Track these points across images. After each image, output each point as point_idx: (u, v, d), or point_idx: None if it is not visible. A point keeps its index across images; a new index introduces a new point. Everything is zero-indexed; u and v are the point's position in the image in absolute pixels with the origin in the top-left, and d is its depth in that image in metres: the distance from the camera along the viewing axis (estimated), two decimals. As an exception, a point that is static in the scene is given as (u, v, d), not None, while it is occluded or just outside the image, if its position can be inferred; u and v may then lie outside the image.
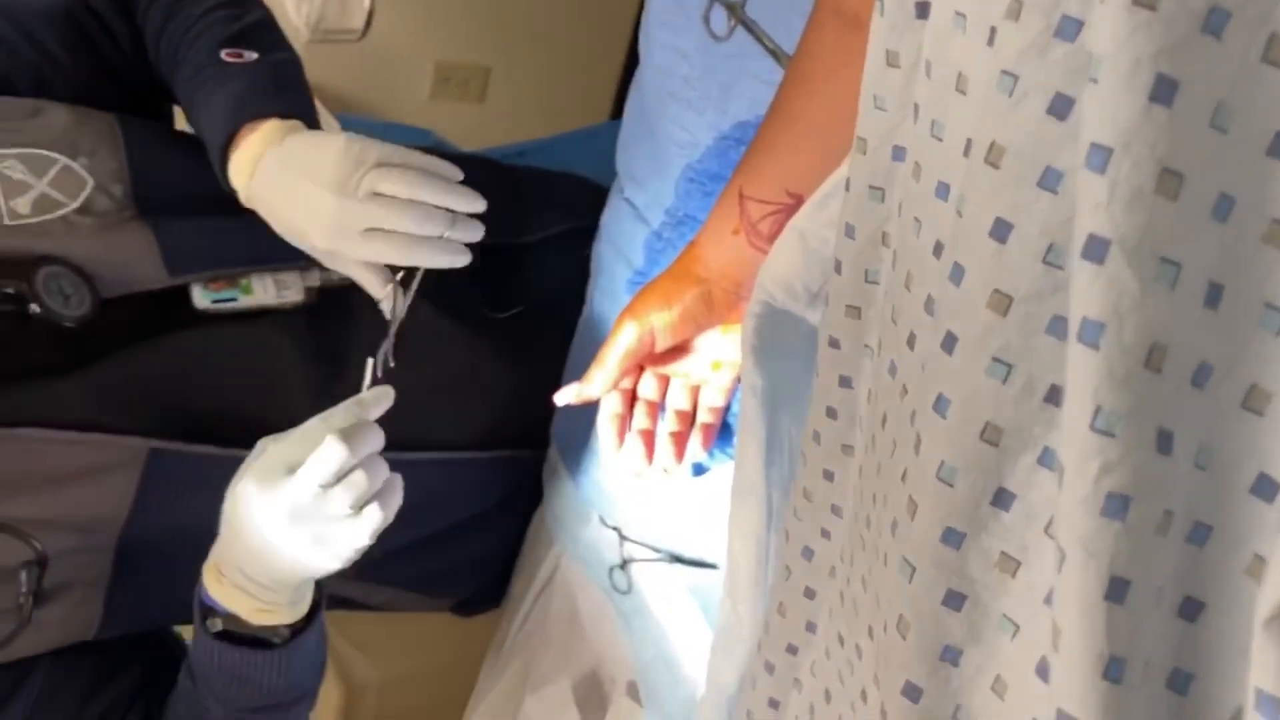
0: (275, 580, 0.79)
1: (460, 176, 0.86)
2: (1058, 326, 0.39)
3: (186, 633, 0.91)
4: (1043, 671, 0.42)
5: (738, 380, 0.84)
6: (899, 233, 0.51)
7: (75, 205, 0.83)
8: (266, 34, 0.95)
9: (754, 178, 0.76)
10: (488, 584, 1.19)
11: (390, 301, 0.86)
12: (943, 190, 0.46)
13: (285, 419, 0.80)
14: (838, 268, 0.57)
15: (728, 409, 0.89)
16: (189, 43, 0.91)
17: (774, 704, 0.71)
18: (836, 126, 0.63)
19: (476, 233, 0.85)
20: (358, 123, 1.28)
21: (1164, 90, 0.33)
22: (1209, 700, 0.39)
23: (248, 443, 0.79)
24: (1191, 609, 0.38)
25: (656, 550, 0.96)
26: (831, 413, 0.61)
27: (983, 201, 0.40)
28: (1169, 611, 0.38)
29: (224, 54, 0.89)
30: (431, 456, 0.98)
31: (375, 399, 0.80)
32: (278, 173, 0.84)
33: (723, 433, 0.90)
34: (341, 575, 0.81)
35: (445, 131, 1.52)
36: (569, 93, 1.87)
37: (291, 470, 0.75)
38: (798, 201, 0.73)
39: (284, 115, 0.86)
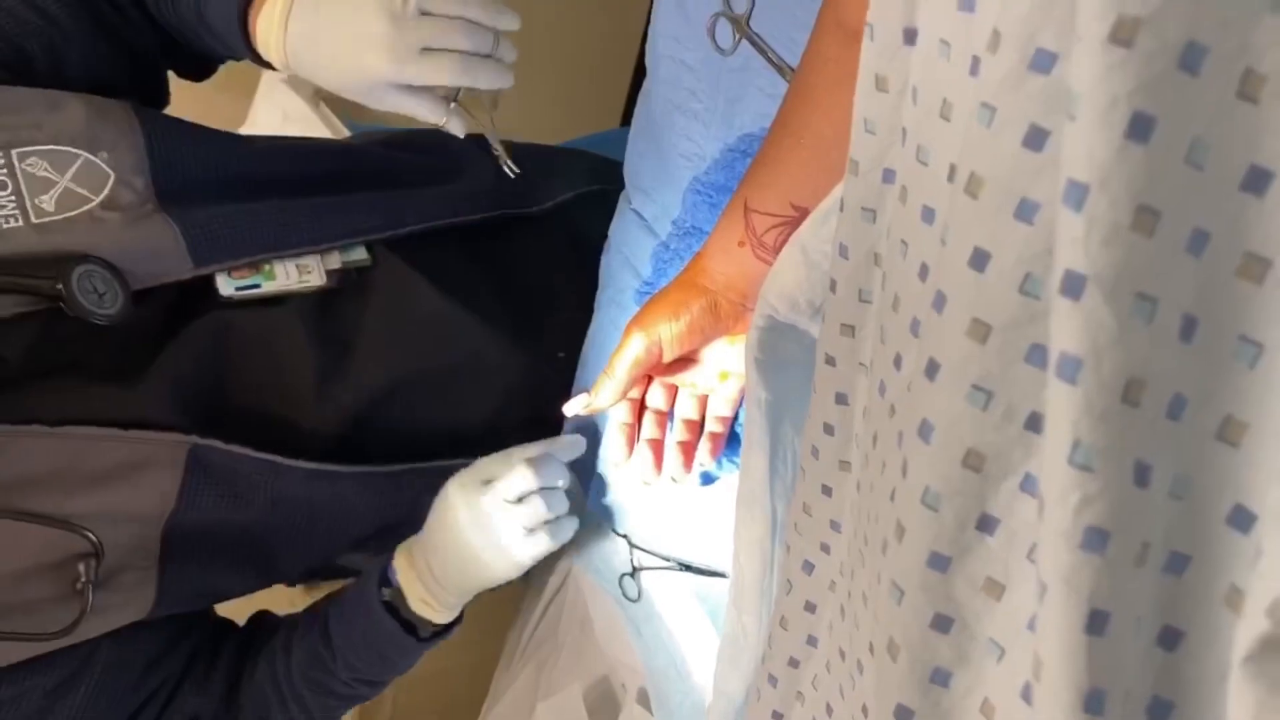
0: (448, 579, 0.92)
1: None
2: (1036, 355, 0.39)
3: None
4: (1027, 695, 0.42)
5: (744, 390, 0.84)
6: (888, 254, 0.51)
7: (99, 200, 0.83)
8: None
9: (759, 190, 0.76)
10: None
11: (458, 124, 0.88)
12: (928, 214, 0.46)
13: (295, 402, 0.91)
14: (832, 286, 0.57)
15: (735, 418, 0.89)
16: None
17: (778, 716, 0.72)
18: (839, 140, 0.63)
19: (513, 53, 0.87)
20: (370, 131, 1.28)
21: (1140, 127, 0.33)
22: (1189, 728, 0.39)
23: (275, 438, 0.89)
24: (1171, 638, 0.38)
25: (666, 558, 0.96)
26: (828, 429, 0.62)
27: (962, 231, 0.40)
28: (1148, 641, 0.38)
29: None
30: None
31: (567, 446, 0.94)
32: (315, 15, 0.83)
33: (731, 442, 0.90)
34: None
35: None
36: (577, 104, 1.87)
37: (487, 484, 0.89)
38: (802, 214, 0.73)
39: None
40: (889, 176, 0.51)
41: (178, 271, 0.87)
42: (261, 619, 1.06)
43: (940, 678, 0.47)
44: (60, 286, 0.79)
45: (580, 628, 1.06)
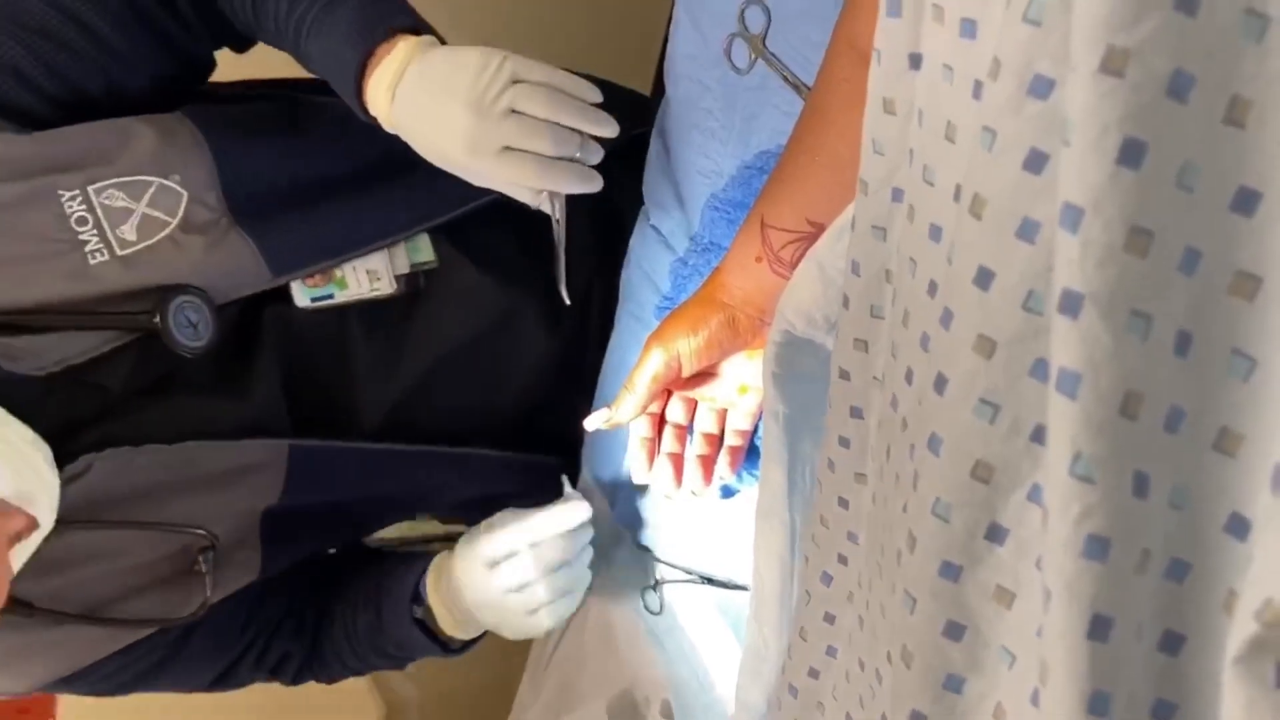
0: (469, 626, 1.03)
1: (599, 97, 0.87)
2: (1040, 369, 0.41)
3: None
4: (1036, 700, 0.43)
5: (763, 404, 0.86)
6: (898, 271, 0.52)
7: (176, 222, 0.85)
8: None
9: (775, 207, 0.78)
10: None
11: (548, 207, 0.89)
12: (935, 233, 0.47)
13: (361, 391, 0.98)
14: (845, 303, 0.59)
15: (754, 432, 0.90)
16: None
17: (798, 725, 0.73)
18: (853, 158, 0.64)
19: (598, 156, 0.87)
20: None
21: (1131, 153, 0.34)
22: (1192, 729, 0.40)
23: (351, 424, 0.98)
24: (1173, 642, 0.39)
25: (688, 571, 0.98)
26: (844, 442, 0.63)
27: (967, 250, 0.42)
28: (1151, 645, 0.39)
29: None
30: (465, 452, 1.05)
31: (568, 514, 0.97)
32: (418, 92, 0.84)
33: (750, 455, 0.91)
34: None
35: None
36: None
37: (492, 567, 0.97)
38: (818, 230, 0.74)
39: (414, 31, 0.86)
40: (898, 196, 0.52)
41: (257, 284, 0.91)
42: (339, 573, 1.13)
43: (954, 684, 0.48)
44: (157, 320, 0.83)
45: (603, 641, 1.08)
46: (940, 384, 0.44)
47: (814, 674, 0.71)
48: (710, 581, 0.96)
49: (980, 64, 0.42)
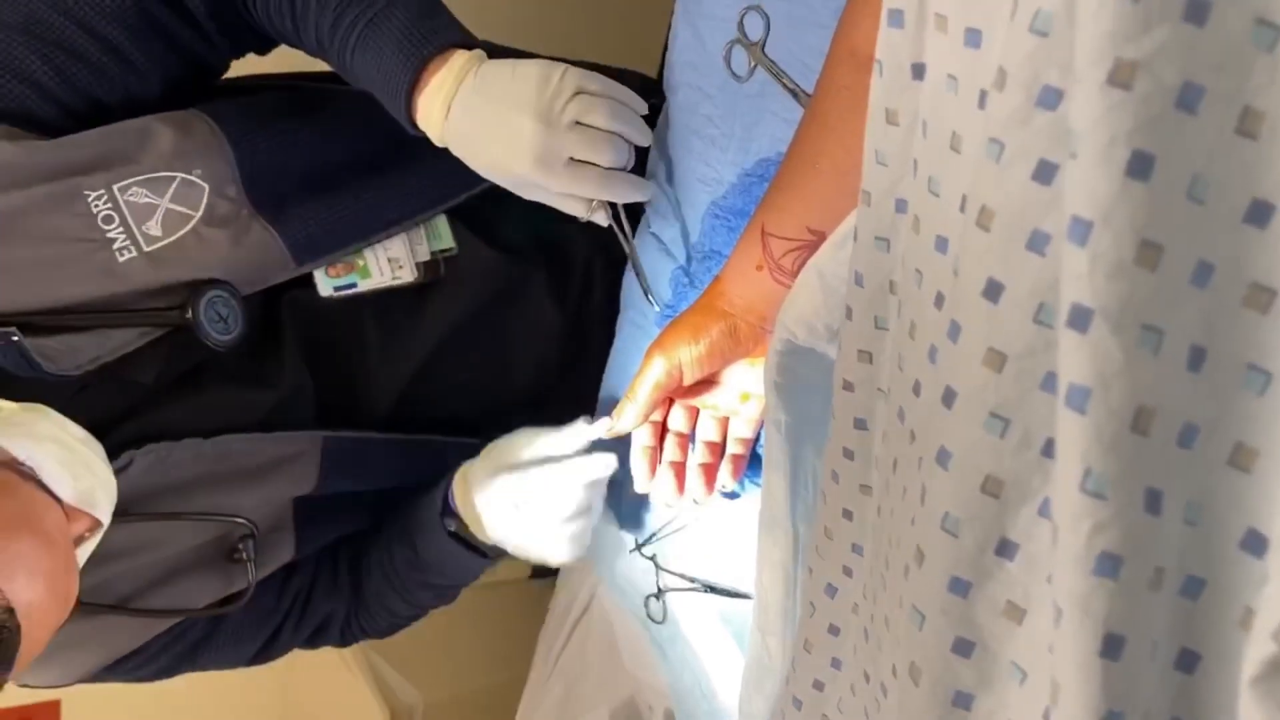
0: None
1: (645, 109, 0.88)
2: (1051, 383, 0.40)
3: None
4: (1047, 718, 0.43)
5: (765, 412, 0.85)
6: (903, 282, 0.52)
7: (199, 215, 0.86)
8: None
9: (776, 215, 0.77)
10: None
11: (599, 218, 0.90)
12: (941, 244, 0.47)
13: (375, 388, 0.99)
14: (849, 314, 0.58)
15: (756, 440, 0.90)
16: None
17: (803, 737, 0.72)
18: (853, 166, 0.64)
19: (633, 161, 0.88)
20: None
21: (1140, 166, 0.34)
22: (1209, 749, 0.40)
23: (372, 409, 0.99)
24: (1188, 660, 0.39)
25: (691, 580, 0.97)
26: (848, 453, 0.62)
27: (975, 262, 0.41)
28: (1165, 664, 0.39)
29: None
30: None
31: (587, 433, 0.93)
32: (477, 106, 0.84)
33: (753, 463, 0.90)
34: None
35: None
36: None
37: (508, 494, 0.94)
38: (819, 238, 0.74)
39: (465, 45, 0.86)
40: (901, 206, 0.52)
41: (281, 274, 0.91)
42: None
43: (963, 701, 0.48)
44: (189, 315, 0.84)
45: (607, 649, 1.07)
46: (949, 397, 0.44)
47: (819, 686, 0.70)
48: (713, 590, 0.95)
49: (985, 74, 0.41)
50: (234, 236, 0.87)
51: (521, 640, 1.27)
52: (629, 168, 0.88)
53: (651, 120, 1.02)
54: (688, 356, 0.83)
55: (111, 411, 0.86)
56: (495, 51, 0.89)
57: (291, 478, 0.94)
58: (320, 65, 0.94)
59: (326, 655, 1.56)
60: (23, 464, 0.74)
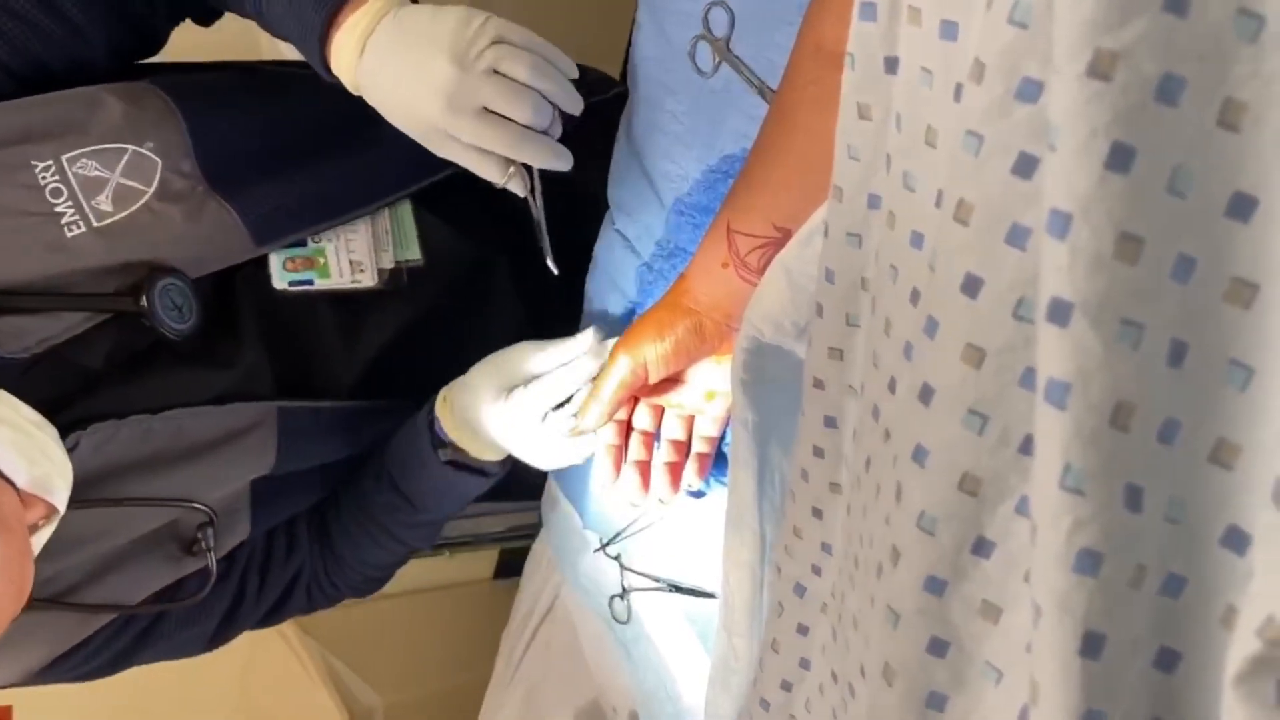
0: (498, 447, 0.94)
1: (575, 73, 0.84)
2: (1030, 379, 0.40)
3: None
4: (1024, 719, 0.42)
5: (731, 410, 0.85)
6: (877, 278, 0.51)
7: (152, 190, 0.83)
8: None
9: (741, 212, 0.76)
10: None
11: (515, 186, 0.86)
12: (917, 240, 0.46)
13: (335, 366, 0.96)
14: (819, 311, 0.57)
15: (722, 438, 0.89)
16: None
17: (771, 738, 0.72)
18: (820, 162, 0.64)
19: (559, 132, 0.85)
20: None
21: (1120, 158, 0.33)
22: (1188, 748, 0.39)
23: (329, 385, 0.96)
24: (1169, 660, 0.39)
25: (656, 579, 0.96)
26: (818, 451, 0.62)
27: (952, 257, 0.41)
28: (1146, 663, 0.38)
29: None
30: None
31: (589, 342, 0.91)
32: (391, 46, 0.81)
33: (719, 462, 0.90)
34: None
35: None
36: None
37: (510, 394, 0.91)
38: (785, 235, 0.73)
39: None
40: (874, 202, 0.51)
41: (240, 255, 0.89)
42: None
43: (936, 702, 0.47)
44: (144, 303, 0.81)
45: (570, 650, 1.06)
46: (926, 394, 0.43)
47: (786, 686, 0.70)
48: (678, 589, 0.95)
49: (961, 67, 0.40)
50: (189, 213, 0.84)
51: (483, 642, 1.25)
52: (553, 134, 0.84)
53: (616, 108, 1.01)
54: (653, 354, 0.82)
55: (59, 393, 0.82)
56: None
57: (249, 453, 0.90)
58: (280, 54, 0.92)
59: (284, 658, 1.54)
60: None
